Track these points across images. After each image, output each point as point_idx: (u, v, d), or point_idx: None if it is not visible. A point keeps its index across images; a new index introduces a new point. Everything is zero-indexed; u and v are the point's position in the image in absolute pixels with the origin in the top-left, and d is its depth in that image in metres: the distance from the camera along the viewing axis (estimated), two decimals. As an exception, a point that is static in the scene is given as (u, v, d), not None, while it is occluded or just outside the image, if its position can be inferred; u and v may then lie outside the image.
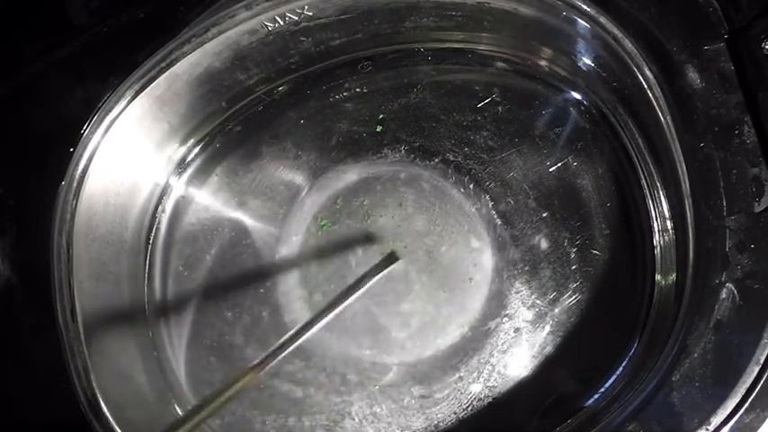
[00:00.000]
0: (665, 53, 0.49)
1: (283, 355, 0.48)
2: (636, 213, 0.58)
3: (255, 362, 0.48)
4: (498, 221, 0.58)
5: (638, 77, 0.50)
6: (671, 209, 0.55)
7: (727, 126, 0.47)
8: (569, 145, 0.60)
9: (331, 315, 0.50)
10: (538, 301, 0.57)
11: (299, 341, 0.48)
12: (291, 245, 0.60)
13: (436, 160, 0.60)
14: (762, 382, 0.42)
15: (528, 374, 0.55)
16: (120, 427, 0.48)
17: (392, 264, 0.56)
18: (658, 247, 0.56)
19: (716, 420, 0.42)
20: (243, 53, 0.56)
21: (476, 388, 0.56)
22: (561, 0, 0.52)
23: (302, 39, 0.58)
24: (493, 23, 0.59)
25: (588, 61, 0.57)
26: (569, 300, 0.56)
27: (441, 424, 0.55)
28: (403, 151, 0.61)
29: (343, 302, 0.51)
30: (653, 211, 0.57)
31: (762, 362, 0.42)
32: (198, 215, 0.61)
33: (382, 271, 0.55)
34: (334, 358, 0.57)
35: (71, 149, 0.51)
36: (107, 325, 0.53)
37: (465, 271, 0.58)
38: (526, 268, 0.57)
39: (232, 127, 0.63)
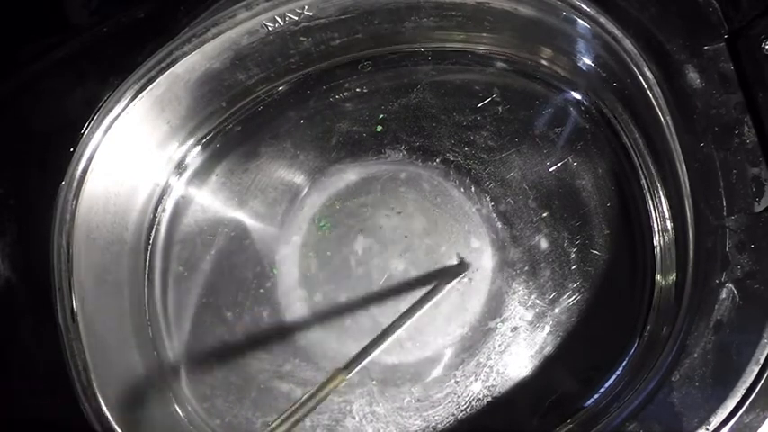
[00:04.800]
0: (665, 53, 0.49)
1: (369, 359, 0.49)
2: (636, 213, 0.58)
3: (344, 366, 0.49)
4: (498, 222, 0.58)
5: (638, 77, 0.50)
6: (671, 209, 0.55)
7: (727, 126, 0.47)
8: (569, 145, 0.60)
9: (407, 324, 0.52)
10: (537, 301, 0.57)
11: (381, 347, 0.50)
12: (291, 245, 0.60)
13: (436, 160, 0.60)
14: (762, 382, 0.42)
15: (528, 374, 0.55)
16: (120, 427, 0.48)
17: (462, 271, 0.57)
18: (658, 247, 0.56)
19: (716, 420, 0.42)
20: (243, 53, 0.56)
21: (475, 388, 0.56)
22: (561, 0, 0.52)
23: (302, 39, 0.58)
24: (493, 23, 0.59)
25: (588, 61, 0.57)
26: (569, 300, 0.56)
27: (439, 426, 0.55)
28: (403, 151, 0.61)
29: (417, 311, 0.53)
30: (653, 211, 0.57)
31: (762, 362, 0.42)
32: (198, 215, 0.61)
33: (453, 278, 0.56)
34: (335, 358, 0.57)
35: (71, 149, 0.51)
36: (107, 325, 0.53)
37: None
38: (526, 268, 0.57)
39: (232, 127, 0.63)
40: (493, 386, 0.55)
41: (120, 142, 0.53)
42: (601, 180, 0.59)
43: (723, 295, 0.44)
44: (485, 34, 0.61)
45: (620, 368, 0.54)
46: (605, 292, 0.56)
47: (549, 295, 0.57)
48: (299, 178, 0.61)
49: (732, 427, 0.42)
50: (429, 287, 0.57)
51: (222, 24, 0.53)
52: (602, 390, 0.54)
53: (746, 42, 0.47)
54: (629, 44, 0.50)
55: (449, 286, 0.55)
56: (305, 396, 0.46)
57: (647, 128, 0.55)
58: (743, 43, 0.48)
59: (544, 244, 0.58)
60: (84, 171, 0.51)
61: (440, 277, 0.56)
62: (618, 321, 0.56)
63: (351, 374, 0.48)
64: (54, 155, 0.51)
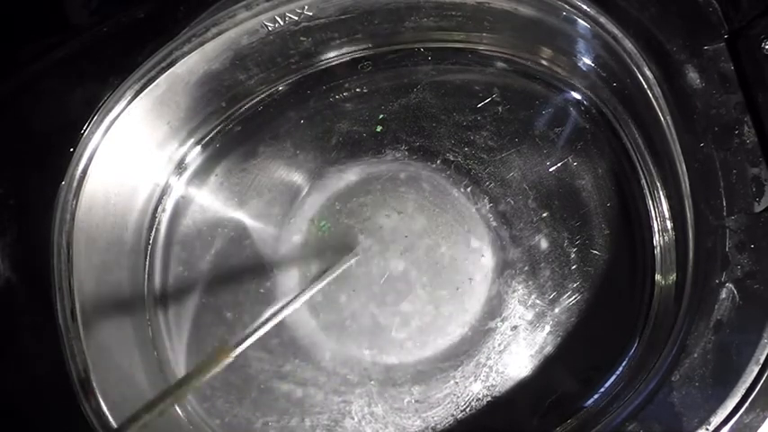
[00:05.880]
0: (665, 53, 0.49)
1: (255, 338, 0.46)
2: (636, 213, 0.58)
3: (231, 344, 0.47)
4: (498, 222, 0.58)
5: (638, 77, 0.50)
6: (671, 209, 0.55)
7: (727, 126, 0.47)
8: (569, 145, 0.60)
9: (301, 301, 0.50)
10: (537, 301, 0.57)
11: (270, 325, 0.47)
12: (291, 245, 0.60)
13: (436, 160, 0.60)
14: (762, 382, 0.42)
15: (527, 374, 0.55)
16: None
17: (352, 256, 0.57)
18: (658, 247, 0.56)
19: (716, 420, 0.42)
20: (243, 53, 0.56)
21: (475, 388, 0.56)
22: (561, 0, 0.52)
23: (302, 39, 0.58)
24: (493, 23, 0.59)
25: (588, 61, 0.57)
26: (569, 300, 0.56)
27: (438, 426, 0.55)
28: (403, 151, 0.61)
29: (311, 289, 0.52)
30: (653, 211, 0.57)
31: (762, 362, 0.42)
32: (198, 215, 0.61)
33: (344, 262, 0.56)
34: (334, 358, 0.57)
35: (71, 149, 0.51)
36: (107, 325, 0.53)
37: (465, 271, 0.58)
38: (526, 268, 0.57)
39: (232, 127, 0.63)
40: (493, 386, 0.55)
41: (120, 142, 0.53)
42: (601, 180, 0.59)
43: (723, 295, 0.44)
44: (485, 34, 0.61)
45: (620, 368, 0.54)
46: (605, 292, 0.56)
47: (549, 295, 0.57)
48: (298, 178, 0.61)
49: (732, 427, 0.42)
50: (429, 287, 0.57)
51: (222, 24, 0.53)
52: (602, 390, 0.54)
53: (746, 42, 0.47)
54: (629, 44, 0.50)
55: (344, 266, 0.55)
56: (187, 373, 0.44)
57: (647, 128, 0.55)
58: (743, 43, 0.48)
59: (544, 244, 0.58)
60: (84, 171, 0.51)
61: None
62: (618, 321, 0.56)
63: (237, 352, 0.46)
64: (54, 155, 0.51)
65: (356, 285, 0.58)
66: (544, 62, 0.61)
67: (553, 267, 0.57)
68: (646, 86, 0.50)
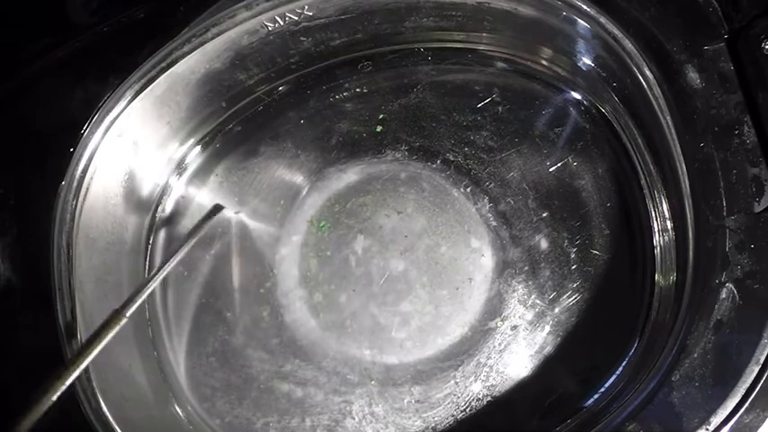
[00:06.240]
0: (665, 53, 0.49)
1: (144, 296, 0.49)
2: (636, 213, 0.58)
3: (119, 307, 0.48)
4: (498, 222, 0.58)
5: (638, 77, 0.50)
6: (671, 209, 0.55)
7: (727, 126, 0.47)
8: (569, 145, 0.60)
9: (172, 265, 0.52)
10: (537, 301, 0.57)
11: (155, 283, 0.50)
12: (291, 245, 0.60)
13: (436, 160, 0.60)
14: (762, 382, 0.42)
15: (527, 374, 0.55)
16: (119, 427, 0.48)
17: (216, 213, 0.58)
18: (658, 247, 0.56)
19: (716, 420, 0.42)
20: (243, 53, 0.56)
21: (475, 388, 0.56)
22: (561, 0, 0.52)
23: (302, 39, 0.58)
24: (493, 23, 0.59)
25: (588, 61, 0.57)
26: (569, 300, 0.56)
27: (439, 426, 0.55)
28: (403, 151, 0.61)
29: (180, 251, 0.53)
30: (653, 211, 0.57)
31: (762, 362, 0.42)
32: (198, 215, 0.61)
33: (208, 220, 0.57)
34: (335, 358, 0.57)
35: (71, 149, 0.51)
36: (107, 325, 0.53)
37: (465, 271, 0.58)
38: (526, 268, 0.57)
39: (232, 127, 0.63)
40: (493, 386, 0.55)
41: (120, 142, 0.53)
42: (601, 180, 0.59)
43: (723, 295, 0.44)
44: (485, 34, 0.61)
45: (620, 368, 0.54)
46: (605, 292, 0.56)
47: (549, 295, 0.57)
48: (298, 178, 0.61)
49: (732, 427, 0.42)
50: (429, 287, 0.57)
51: (222, 24, 0.53)
52: (602, 390, 0.54)
53: (746, 42, 0.47)
54: (629, 44, 0.50)
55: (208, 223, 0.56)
56: (86, 340, 0.46)
57: (647, 128, 0.55)
58: (743, 43, 0.48)
59: (544, 244, 0.58)
60: (84, 171, 0.51)
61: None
62: (618, 321, 0.56)
63: (129, 313, 0.47)
64: (54, 155, 0.51)
65: (356, 285, 0.58)
66: (544, 62, 0.61)
67: (553, 267, 0.57)
68: (646, 86, 0.50)
